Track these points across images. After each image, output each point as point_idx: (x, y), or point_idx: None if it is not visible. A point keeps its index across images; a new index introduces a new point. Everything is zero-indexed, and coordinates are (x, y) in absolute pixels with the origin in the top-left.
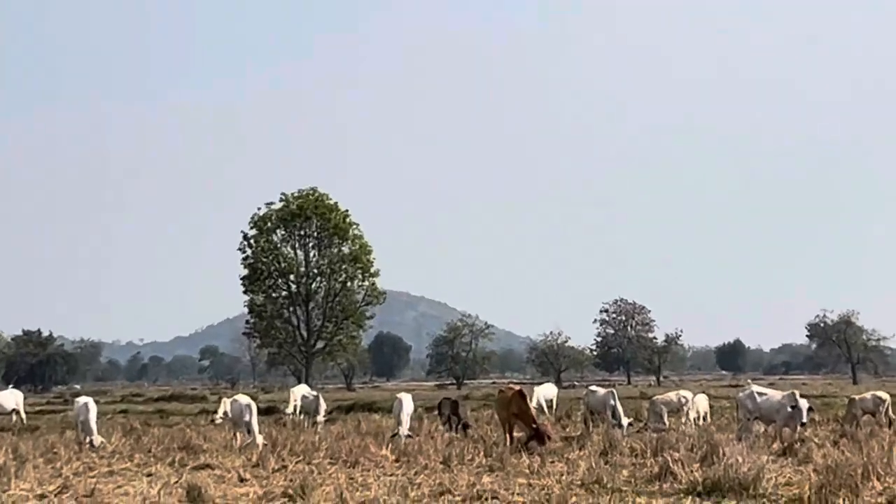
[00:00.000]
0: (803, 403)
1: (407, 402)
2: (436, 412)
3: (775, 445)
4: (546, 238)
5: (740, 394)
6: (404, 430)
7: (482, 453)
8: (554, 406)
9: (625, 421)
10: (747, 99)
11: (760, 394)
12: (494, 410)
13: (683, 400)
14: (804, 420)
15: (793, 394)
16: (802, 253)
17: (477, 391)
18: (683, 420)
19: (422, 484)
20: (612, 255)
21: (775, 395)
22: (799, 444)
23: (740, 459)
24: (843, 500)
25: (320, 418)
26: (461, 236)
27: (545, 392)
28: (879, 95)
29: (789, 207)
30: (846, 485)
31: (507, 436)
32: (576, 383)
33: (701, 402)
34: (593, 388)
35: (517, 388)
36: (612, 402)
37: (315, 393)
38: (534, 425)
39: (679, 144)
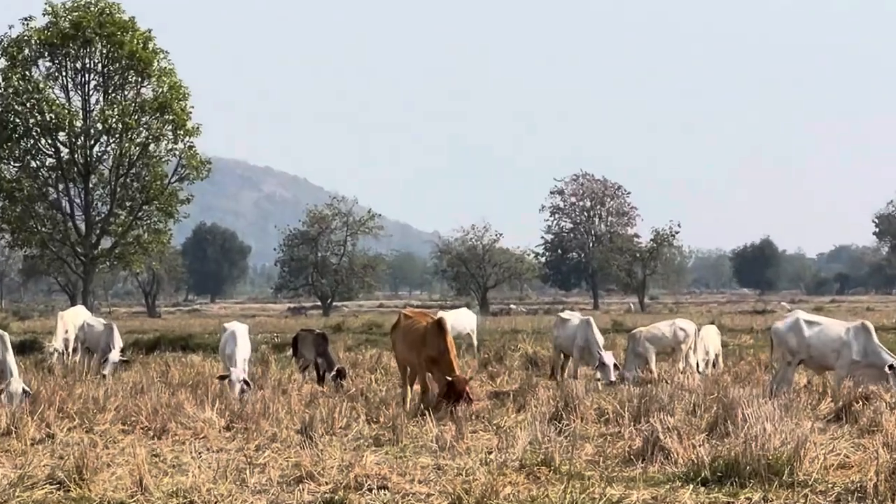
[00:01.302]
0: None
1: (242, 338)
2: (290, 352)
3: (825, 406)
4: (465, 83)
5: (778, 324)
6: (239, 373)
7: (363, 417)
8: (475, 343)
9: (609, 359)
10: None
11: (810, 323)
12: (393, 349)
13: (681, 334)
14: None
15: (864, 326)
16: (873, 108)
17: (355, 319)
18: (681, 366)
19: (268, 465)
20: (571, 109)
21: (833, 325)
22: (861, 403)
23: (769, 428)
24: None
25: (112, 357)
26: (328, 79)
27: (461, 321)
28: None
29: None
30: None
31: (408, 389)
32: (512, 306)
33: (709, 338)
34: (566, 315)
35: (432, 315)
36: (581, 338)
37: (102, 321)
38: (447, 377)
39: None
